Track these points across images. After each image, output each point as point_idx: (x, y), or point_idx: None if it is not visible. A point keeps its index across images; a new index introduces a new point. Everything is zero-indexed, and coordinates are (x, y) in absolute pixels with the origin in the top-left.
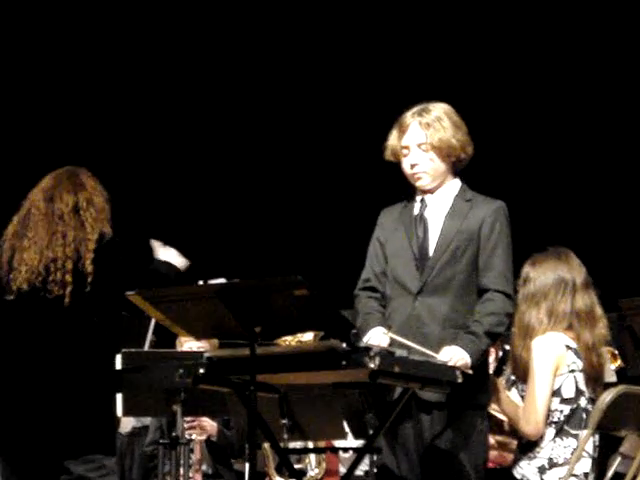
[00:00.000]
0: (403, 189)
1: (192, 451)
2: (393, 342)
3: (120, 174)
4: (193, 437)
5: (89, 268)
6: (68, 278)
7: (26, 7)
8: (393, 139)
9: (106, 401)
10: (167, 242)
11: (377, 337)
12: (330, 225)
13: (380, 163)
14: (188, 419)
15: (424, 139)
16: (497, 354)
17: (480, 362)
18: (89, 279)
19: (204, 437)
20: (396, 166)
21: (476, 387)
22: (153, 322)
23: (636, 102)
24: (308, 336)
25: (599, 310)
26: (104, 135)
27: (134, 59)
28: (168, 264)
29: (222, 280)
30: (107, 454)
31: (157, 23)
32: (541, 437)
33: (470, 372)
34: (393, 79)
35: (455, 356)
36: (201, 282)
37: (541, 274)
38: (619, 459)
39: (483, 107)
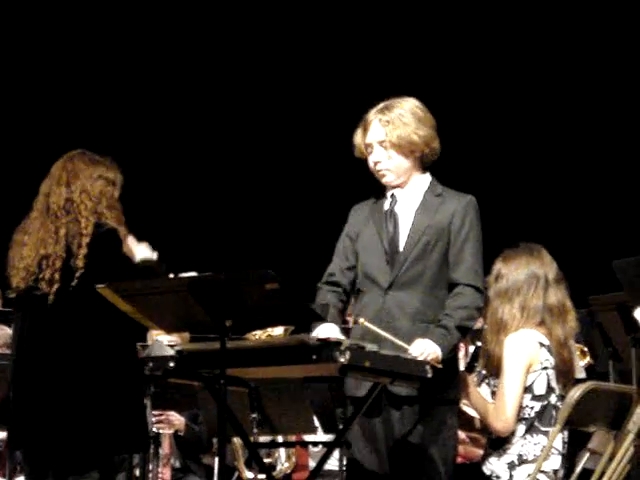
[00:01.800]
0: (374, 184)
1: (160, 445)
2: (367, 332)
3: None
4: (161, 431)
5: (80, 263)
6: (56, 276)
7: (33, 4)
8: (358, 137)
9: (124, 394)
10: (138, 235)
11: (325, 332)
12: (301, 220)
13: (350, 159)
14: (156, 413)
15: (383, 136)
16: (467, 350)
17: (450, 357)
18: (77, 274)
19: (172, 431)
20: (364, 162)
21: (446, 382)
22: None
23: (608, 98)
24: (278, 330)
25: (569, 303)
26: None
27: (136, 58)
28: (150, 262)
29: (193, 273)
30: (130, 452)
31: (159, 24)
32: (512, 433)
33: (440, 366)
34: (369, 74)
35: (427, 349)
36: (172, 275)
37: (513, 270)
38: (587, 455)
39: (454, 102)
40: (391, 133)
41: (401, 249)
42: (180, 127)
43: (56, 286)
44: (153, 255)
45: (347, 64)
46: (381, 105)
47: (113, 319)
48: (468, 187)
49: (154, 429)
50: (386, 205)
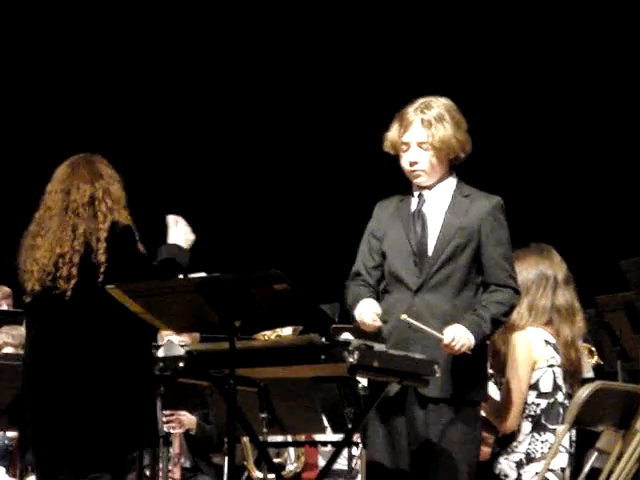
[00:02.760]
0: (392, 182)
1: (171, 445)
2: (392, 330)
3: None
4: (171, 431)
5: (102, 258)
6: (74, 271)
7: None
8: (394, 133)
9: (137, 393)
10: (147, 238)
11: (368, 306)
12: (310, 220)
13: (362, 158)
14: (166, 413)
15: (425, 138)
16: None
17: (479, 357)
18: (102, 269)
19: (182, 431)
20: (378, 161)
21: (473, 383)
22: None
23: (619, 103)
24: (287, 330)
25: (577, 304)
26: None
27: (137, 59)
28: (178, 248)
29: (202, 274)
30: (141, 448)
31: (161, 23)
32: (518, 431)
33: (470, 353)
34: (384, 71)
35: (459, 335)
36: (181, 276)
37: (523, 270)
38: (596, 454)
39: (462, 103)
40: (433, 135)
41: (430, 251)
42: (188, 126)
43: (73, 282)
44: (188, 239)
45: (359, 60)
46: (419, 103)
47: (130, 317)
48: (479, 187)
49: (164, 429)
50: (413, 205)
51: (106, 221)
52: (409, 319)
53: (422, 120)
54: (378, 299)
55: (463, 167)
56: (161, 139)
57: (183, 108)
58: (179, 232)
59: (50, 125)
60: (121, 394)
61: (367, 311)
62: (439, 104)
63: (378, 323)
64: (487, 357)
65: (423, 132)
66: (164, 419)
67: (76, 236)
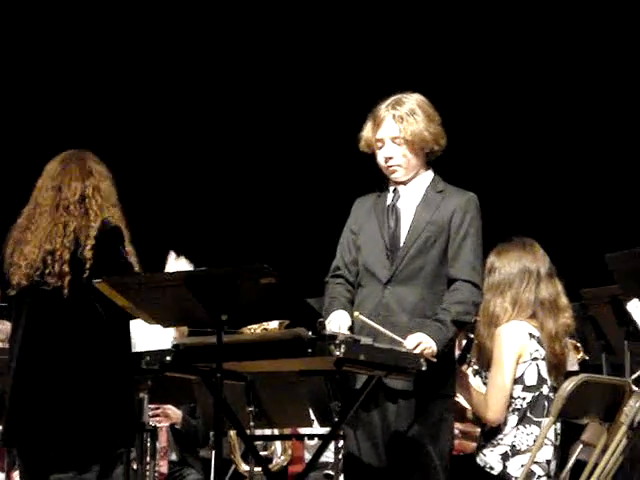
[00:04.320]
0: (372, 179)
1: (157, 438)
2: (363, 325)
3: None
4: (157, 425)
5: (88, 254)
6: (65, 268)
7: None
8: (367, 131)
9: (121, 389)
10: (133, 230)
11: (338, 319)
12: (296, 214)
13: (349, 153)
14: (152, 406)
15: (397, 133)
16: (461, 342)
17: (446, 351)
18: (87, 265)
19: (168, 424)
20: (366, 156)
21: (442, 376)
22: None
23: (602, 95)
24: (274, 324)
25: (564, 300)
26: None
27: (135, 59)
28: None
29: (189, 268)
30: (126, 446)
31: (159, 22)
32: (504, 424)
33: (435, 360)
34: (367, 69)
35: (422, 343)
36: (168, 270)
37: (506, 264)
38: (581, 447)
39: (447, 99)
40: (405, 130)
41: (402, 244)
42: (177, 123)
43: (68, 278)
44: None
45: (344, 60)
46: (391, 100)
47: (116, 312)
48: (461, 182)
49: (150, 422)
50: (388, 200)
51: (97, 219)
52: (362, 317)
53: (394, 115)
54: (354, 296)
55: (446, 162)
56: (150, 137)
57: (171, 107)
58: (176, 266)
59: (39, 118)
60: (106, 389)
61: (335, 328)
62: (410, 99)
63: None
64: (454, 351)
65: (395, 127)
66: (150, 412)
67: (67, 233)
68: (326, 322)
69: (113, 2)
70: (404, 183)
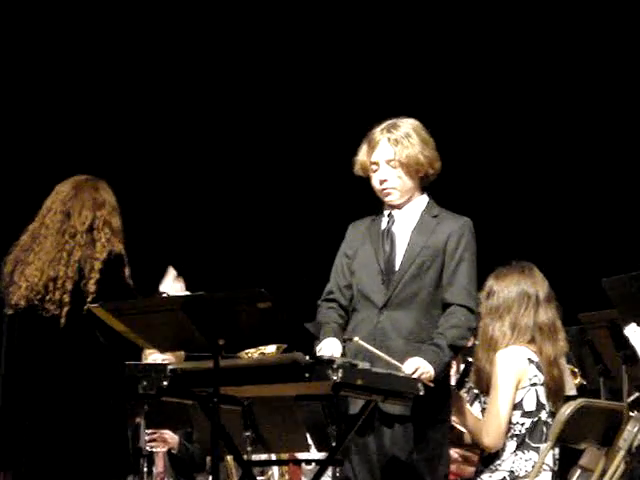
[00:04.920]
0: (368, 203)
1: (154, 464)
2: (359, 350)
3: None
4: (154, 450)
5: (92, 288)
6: (66, 298)
7: (28, 9)
8: (362, 154)
9: (114, 417)
10: (130, 257)
11: (329, 347)
12: (294, 238)
13: (346, 177)
14: (149, 432)
15: (392, 156)
16: (458, 366)
17: (442, 376)
18: (89, 298)
19: (165, 449)
20: (363, 180)
21: (438, 401)
22: None
23: (599, 121)
24: (271, 348)
25: (559, 323)
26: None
27: (133, 64)
28: None
29: (186, 293)
30: (122, 474)
31: (158, 23)
32: (502, 450)
33: (432, 385)
34: (363, 94)
35: (419, 367)
36: (165, 294)
37: (505, 288)
38: (579, 472)
39: (446, 124)
40: (400, 153)
41: (397, 269)
42: (175, 140)
43: (67, 308)
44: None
45: (336, 84)
46: (386, 124)
47: (113, 343)
48: (459, 207)
49: (147, 447)
50: (383, 224)
51: (104, 252)
52: (362, 342)
53: (389, 139)
54: (348, 319)
55: (443, 186)
56: (147, 154)
57: (169, 121)
58: (173, 286)
59: (38, 127)
60: (101, 418)
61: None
62: (405, 124)
63: None
64: (449, 376)
65: (390, 149)
66: (147, 437)
67: (70, 262)
68: (317, 349)
69: (113, 2)
70: (399, 207)
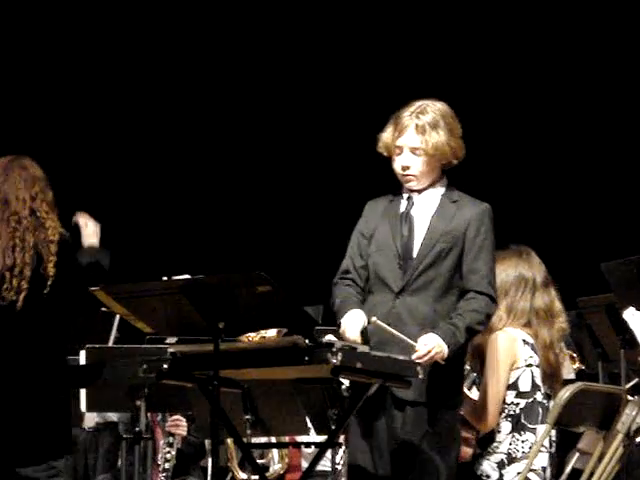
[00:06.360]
0: (372, 186)
1: (171, 445)
2: (375, 330)
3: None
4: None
5: (51, 271)
6: (24, 284)
7: (23, 12)
8: (388, 135)
9: (60, 400)
10: (132, 240)
11: (353, 318)
12: (294, 222)
13: (350, 160)
14: (172, 418)
15: (418, 144)
16: None
17: (456, 361)
18: (49, 281)
19: (185, 433)
20: (363, 159)
21: (450, 386)
22: (117, 318)
23: (600, 106)
24: (271, 332)
25: (558, 305)
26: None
27: (131, 63)
28: (97, 250)
29: (186, 276)
30: (63, 455)
31: (158, 22)
32: (498, 431)
33: (443, 363)
34: (375, 73)
35: (432, 344)
36: (165, 278)
37: (502, 271)
38: (577, 455)
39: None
40: (426, 142)
41: (415, 254)
42: (174, 128)
43: (24, 294)
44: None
45: (344, 66)
46: (415, 106)
47: (66, 326)
48: (460, 190)
49: (166, 428)
50: (402, 207)
51: (55, 234)
52: (379, 322)
53: (417, 125)
54: (364, 300)
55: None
56: (147, 143)
57: (168, 113)
58: (91, 232)
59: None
60: (42, 404)
61: (352, 328)
62: (434, 109)
63: (358, 343)
64: (464, 361)
65: (417, 138)
66: (168, 422)
67: (25, 248)
68: (341, 321)
69: (113, 3)
70: (418, 191)
